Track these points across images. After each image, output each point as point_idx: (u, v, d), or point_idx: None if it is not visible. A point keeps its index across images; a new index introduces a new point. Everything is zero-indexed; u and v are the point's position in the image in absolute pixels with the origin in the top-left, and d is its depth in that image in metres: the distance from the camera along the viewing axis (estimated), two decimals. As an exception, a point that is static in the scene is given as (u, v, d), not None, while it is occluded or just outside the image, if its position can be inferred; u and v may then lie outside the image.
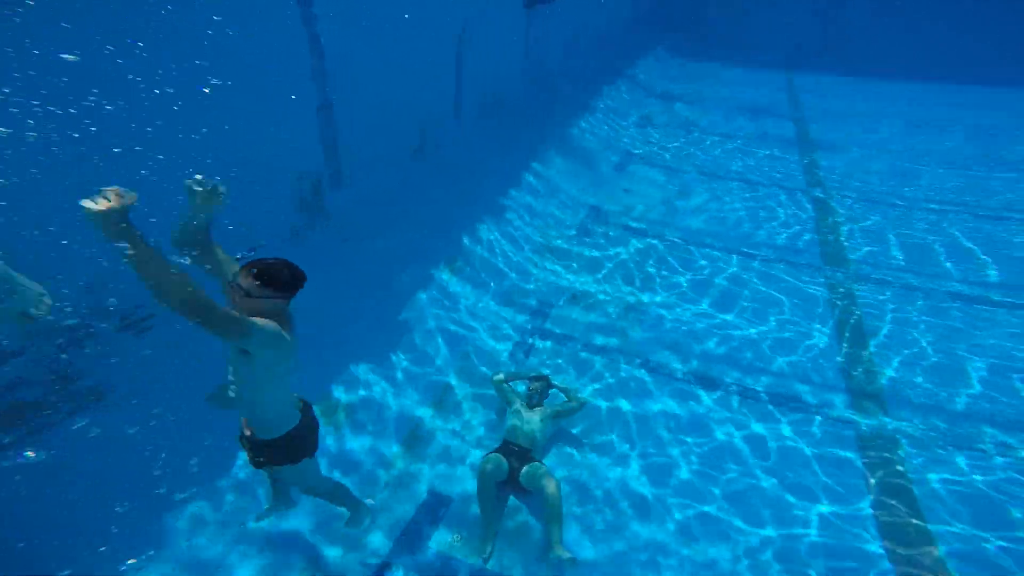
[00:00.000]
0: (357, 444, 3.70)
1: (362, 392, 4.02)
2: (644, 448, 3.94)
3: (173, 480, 2.98)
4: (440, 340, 4.68)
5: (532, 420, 3.74)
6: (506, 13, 7.33)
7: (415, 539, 3.19)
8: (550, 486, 3.24)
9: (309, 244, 4.59)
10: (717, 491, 3.66)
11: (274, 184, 3.98)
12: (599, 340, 5.02)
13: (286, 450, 2.31)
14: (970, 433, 4.27)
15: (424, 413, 4.04)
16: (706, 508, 3.55)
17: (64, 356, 3.06)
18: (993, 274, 6.44)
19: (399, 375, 4.27)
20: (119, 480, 2.85)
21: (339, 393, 3.94)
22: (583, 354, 4.82)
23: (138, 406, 3.10)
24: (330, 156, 4.44)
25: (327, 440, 3.61)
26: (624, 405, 4.30)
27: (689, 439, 4.04)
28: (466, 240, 5.76)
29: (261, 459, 2.36)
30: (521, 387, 4.17)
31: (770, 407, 4.38)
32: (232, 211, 3.63)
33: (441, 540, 3.20)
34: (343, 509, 3.00)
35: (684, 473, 3.78)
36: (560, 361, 4.73)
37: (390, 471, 3.58)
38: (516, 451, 3.54)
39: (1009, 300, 5.96)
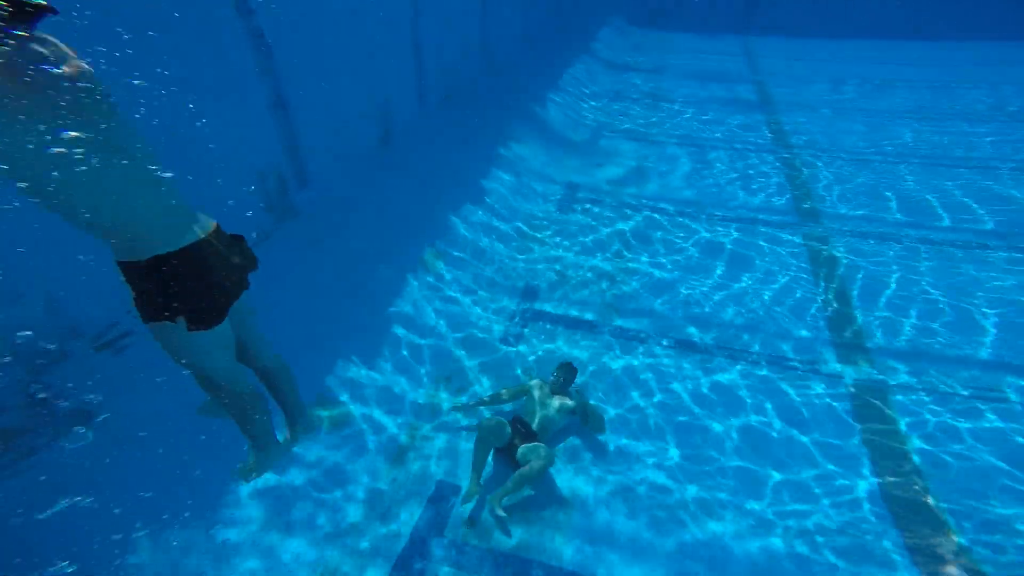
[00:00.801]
0: (350, 448, 3.68)
1: (353, 393, 3.99)
2: (626, 403, 4.02)
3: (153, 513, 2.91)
4: (428, 332, 4.66)
5: (550, 404, 3.68)
6: (460, -6, 7.18)
7: (429, 531, 3.20)
8: (538, 463, 3.24)
9: (280, 247, 4.50)
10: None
11: (237, 185, 3.88)
12: (589, 316, 5.06)
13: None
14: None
15: (419, 407, 4.04)
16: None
17: (38, 381, 2.97)
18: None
19: (389, 372, 4.24)
20: (106, 507, 2.80)
21: (329, 396, 3.91)
22: (575, 332, 4.86)
23: (126, 427, 3.04)
24: (292, 154, 4.34)
25: (314, 448, 3.57)
26: (614, 364, 4.37)
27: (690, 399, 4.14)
28: (444, 228, 5.71)
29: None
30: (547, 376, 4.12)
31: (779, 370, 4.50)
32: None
33: (455, 531, 3.21)
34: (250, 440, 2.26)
35: (686, 409, 3.88)
36: (551, 346, 4.76)
37: (389, 469, 3.58)
38: (522, 431, 3.53)
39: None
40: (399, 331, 4.54)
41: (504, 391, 3.90)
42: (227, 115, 3.50)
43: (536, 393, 3.76)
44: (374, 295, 4.71)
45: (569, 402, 3.69)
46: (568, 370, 3.83)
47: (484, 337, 4.76)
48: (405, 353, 4.39)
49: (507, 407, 3.99)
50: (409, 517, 3.26)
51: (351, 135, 5.38)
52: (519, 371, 4.42)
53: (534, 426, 3.58)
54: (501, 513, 3.12)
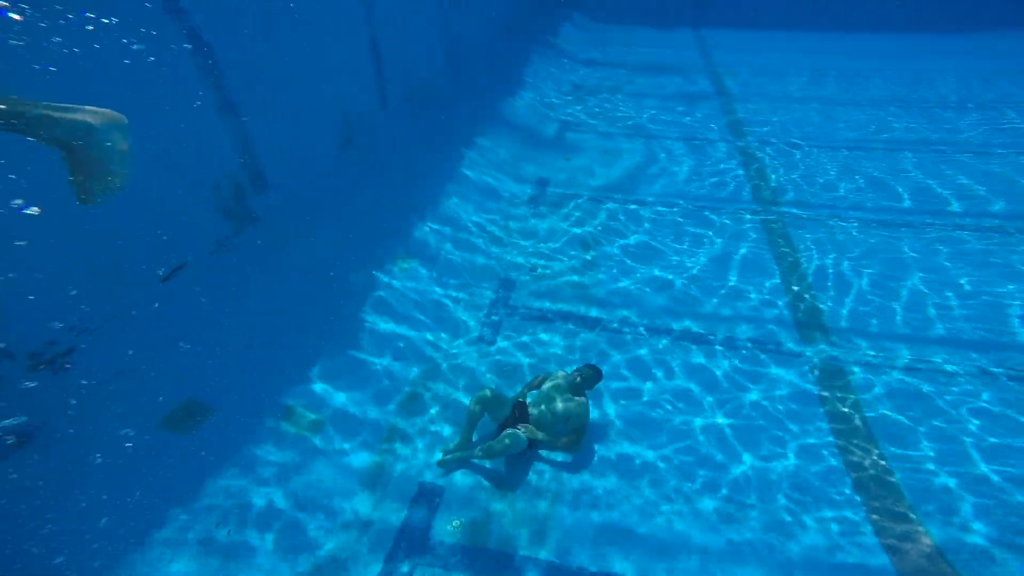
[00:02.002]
0: (332, 452, 3.56)
1: (328, 400, 3.86)
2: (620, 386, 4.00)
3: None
4: (399, 335, 4.55)
5: (555, 402, 3.57)
6: (416, -8, 7.09)
7: (415, 533, 3.14)
8: (499, 444, 3.34)
9: (241, 254, 4.33)
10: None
11: (189, 195, 3.71)
12: (564, 307, 5.03)
13: None
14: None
15: (394, 410, 3.93)
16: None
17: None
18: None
19: (363, 376, 4.12)
20: (48, 529, 2.61)
21: (305, 403, 3.76)
22: (556, 323, 4.82)
23: (69, 448, 2.85)
24: (247, 158, 4.18)
25: (295, 452, 3.44)
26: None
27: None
28: (412, 229, 5.60)
29: None
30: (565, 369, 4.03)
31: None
32: (149, 230, 3.42)
33: (441, 529, 3.16)
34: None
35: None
36: (527, 338, 4.70)
37: (372, 473, 3.47)
38: (518, 415, 3.57)
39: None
40: (370, 335, 4.41)
41: (537, 378, 3.87)
42: (166, 120, 3.33)
43: (549, 384, 3.67)
44: (342, 300, 4.58)
45: (574, 407, 3.52)
46: (590, 372, 3.63)
47: (459, 336, 4.68)
48: (376, 359, 4.27)
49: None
50: (387, 529, 3.16)
51: (311, 138, 5.23)
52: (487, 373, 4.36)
53: (532, 415, 3.58)
54: (446, 457, 3.46)
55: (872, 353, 4.47)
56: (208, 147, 3.77)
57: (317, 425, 3.62)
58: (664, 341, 4.62)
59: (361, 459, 3.53)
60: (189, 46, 3.32)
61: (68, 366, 2.95)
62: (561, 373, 3.76)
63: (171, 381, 3.40)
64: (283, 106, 4.50)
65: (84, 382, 3.05)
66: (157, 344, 3.43)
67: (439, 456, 3.51)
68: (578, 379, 3.58)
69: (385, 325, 4.54)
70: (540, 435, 3.51)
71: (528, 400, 3.72)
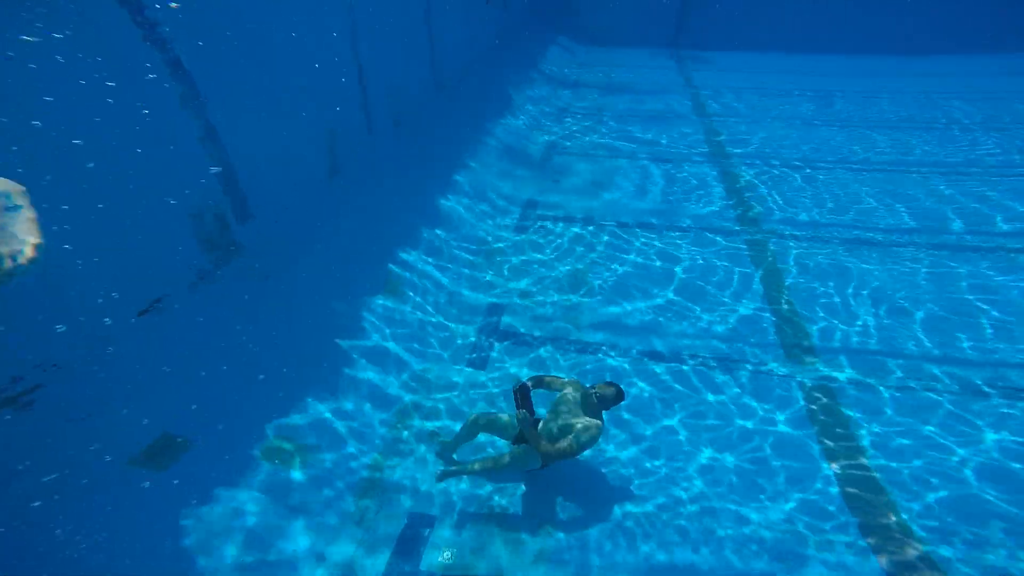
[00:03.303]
0: (321, 482, 3.42)
1: (319, 431, 3.73)
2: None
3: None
4: (389, 363, 4.44)
5: (567, 421, 3.12)
6: (401, 15, 7.12)
7: (404, 563, 3.05)
8: (491, 462, 3.26)
9: (224, 286, 4.20)
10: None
11: (166, 226, 3.60)
12: (552, 331, 4.96)
13: None
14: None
15: (381, 441, 3.81)
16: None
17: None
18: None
19: (353, 407, 4.01)
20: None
21: (289, 436, 3.62)
22: (541, 349, 4.74)
23: (24, 487, 2.68)
24: (229, 187, 4.08)
25: (283, 477, 3.30)
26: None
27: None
28: (401, 256, 5.53)
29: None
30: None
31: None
32: (125, 263, 3.29)
33: (432, 561, 3.08)
34: None
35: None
36: (517, 363, 4.62)
37: (361, 504, 3.35)
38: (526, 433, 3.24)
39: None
40: (358, 364, 4.30)
41: (558, 380, 3.37)
42: (143, 149, 3.24)
43: (566, 401, 3.22)
44: (328, 330, 4.46)
45: (583, 431, 3.04)
46: (610, 392, 3.14)
47: (449, 363, 4.58)
48: (362, 389, 4.15)
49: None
50: (379, 553, 3.03)
51: (296, 165, 5.15)
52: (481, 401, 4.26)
53: (542, 432, 3.17)
54: (452, 455, 3.54)
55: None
56: (188, 177, 3.67)
57: (301, 456, 3.49)
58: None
59: (344, 489, 3.41)
60: (171, 75, 3.25)
61: (31, 403, 2.79)
62: (570, 385, 3.26)
63: (146, 417, 3.26)
64: (265, 131, 4.43)
65: (48, 420, 2.88)
66: (132, 379, 3.28)
67: (438, 466, 3.46)
68: (594, 398, 3.11)
69: (371, 356, 4.43)
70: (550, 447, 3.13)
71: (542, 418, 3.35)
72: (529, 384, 3.23)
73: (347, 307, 4.67)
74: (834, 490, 3.51)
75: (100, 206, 3.01)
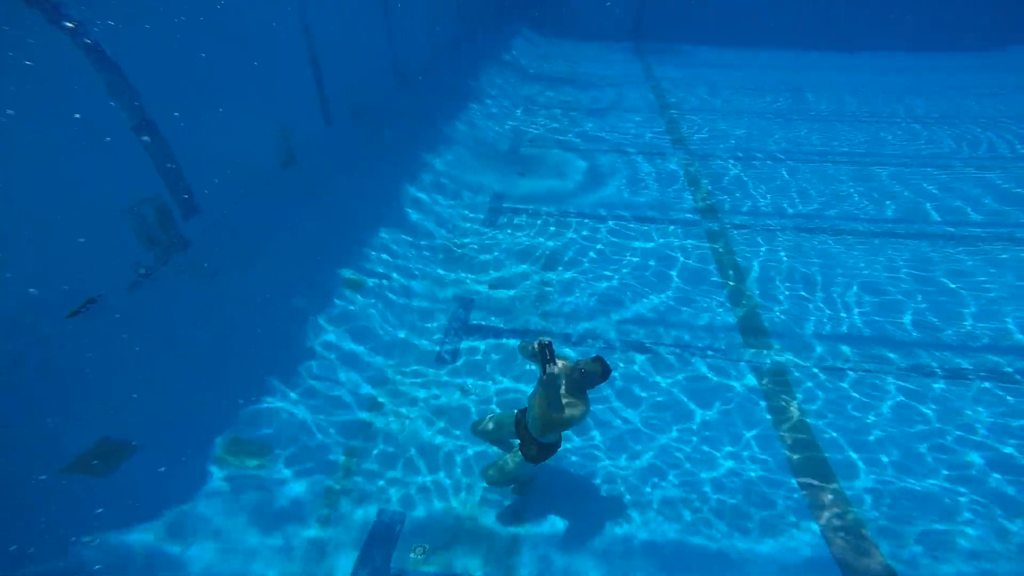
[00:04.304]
0: (288, 484, 3.27)
1: (279, 432, 3.57)
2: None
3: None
4: (348, 362, 4.29)
5: (550, 403, 2.73)
6: (356, 6, 6.92)
7: (374, 562, 2.95)
8: (511, 462, 3.09)
9: (166, 285, 3.97)
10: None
11: (99, 222, 3.36)
12: (522, 324, 4.89)
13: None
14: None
15: (348, 442, 3.67)
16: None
17: None
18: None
19: (312, 408, 3.84)
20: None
21: (245, 435, 3.45)
22: (511, 340, 4.67)
23: None
24: (173, 180, 3.86)
25: (233, 486, 3.13)
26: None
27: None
28: (362, 250, 5.36)
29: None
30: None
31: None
32: (48, 262, 3.06)
33: (402, 557, 3.00)
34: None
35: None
36: (492, 357, 4.53)
37: (328, 505, 3.22)
38: (521, 431, 3.07)
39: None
40: (315, 364, 4.13)
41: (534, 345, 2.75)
42: (68, 142, 3.01)
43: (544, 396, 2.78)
44: (284, 327, 4.28)
45: (567, 411, 2.71)
46: (595, 368, 2.70)
47: (415, 358, 4.46)
48: (322, 388, 4.00)
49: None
50: (339, 564, 2.91)
51: (247, 158, 4.92)
52: (465, 385, 4.16)
53: (529, 425, 2.91)
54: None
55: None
56: (122, 169, 3.44)
57: (259, 457, 3.33)
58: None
59: (307, 490, 3.27)
60: (92, 63, 3.02)
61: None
62: (561, 363, 2.81)
63: (81, 423, 3.05)
64: (211, 121, 4.21)
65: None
66: (64, 384, 3.06)
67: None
68: (578, 374, 2.71)
69: (330, 353, 4.27)
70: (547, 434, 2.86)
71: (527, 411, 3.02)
72: (548, 341, 2.67)
73: (303, 302, 4.50)
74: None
75: (20, 201, 2.79)
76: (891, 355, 4.54)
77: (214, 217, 4.43)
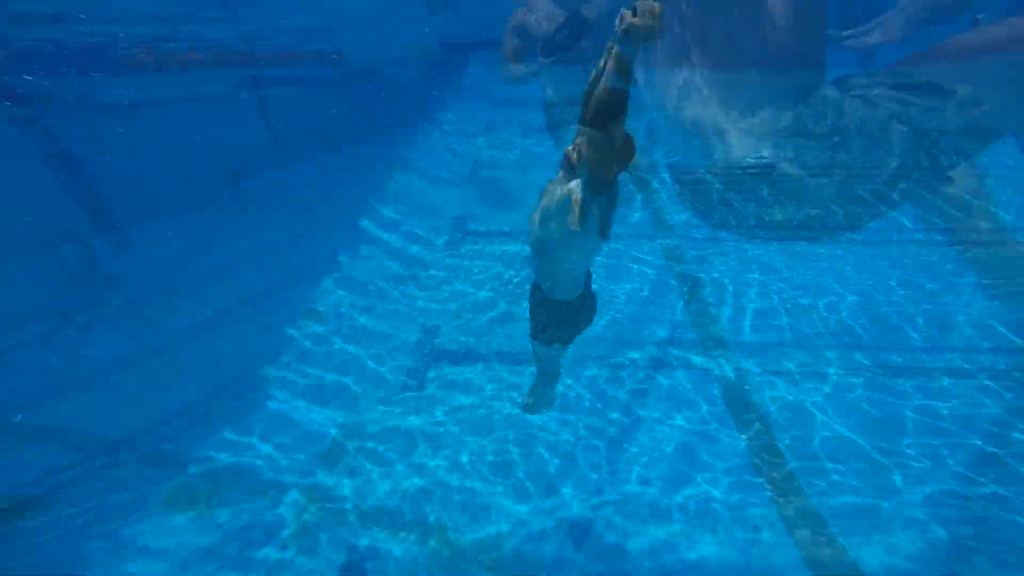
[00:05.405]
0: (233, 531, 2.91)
1: (230, 472, 3.22)
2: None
3: None
4: (313, 394, 3.98)
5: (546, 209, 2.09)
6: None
7: None
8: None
9: (98, 331, 3.60)
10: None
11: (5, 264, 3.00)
12: (489, 349, 4.67)
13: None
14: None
15: (310, 476, 3.34)
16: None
17: None
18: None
19: (270, 444, 3.52)
20: None
21: (198, 484, 3.11)
22: (477, 365, 4.43)
23: None
24: (93, 213, 3.51)
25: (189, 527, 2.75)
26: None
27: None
28: (320, 279, 5.07)
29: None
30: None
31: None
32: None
33: None
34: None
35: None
36: (454, 388, 4.27)
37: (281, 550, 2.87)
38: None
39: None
40: (275, 396, 3.81)
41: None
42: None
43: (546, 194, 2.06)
44: (231, 365, 3.94)
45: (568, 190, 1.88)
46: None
47: (379, 391, 4.16)
48: (281, 422, 3.67)
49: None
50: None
51: (187, 185, 4.60)
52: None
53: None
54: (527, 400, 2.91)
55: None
56: (33, 201, 3.09)
57: (207, 502, 2.97)
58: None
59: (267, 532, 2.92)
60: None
61: None
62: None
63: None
64: (136, 144, 3.90)
65: None
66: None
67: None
68: (575, 154, 1.89)
69: (284, 390, 3.95)
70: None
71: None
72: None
73: (253, 337, 4.17)
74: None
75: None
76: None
77: (149, 251, 4.08)
